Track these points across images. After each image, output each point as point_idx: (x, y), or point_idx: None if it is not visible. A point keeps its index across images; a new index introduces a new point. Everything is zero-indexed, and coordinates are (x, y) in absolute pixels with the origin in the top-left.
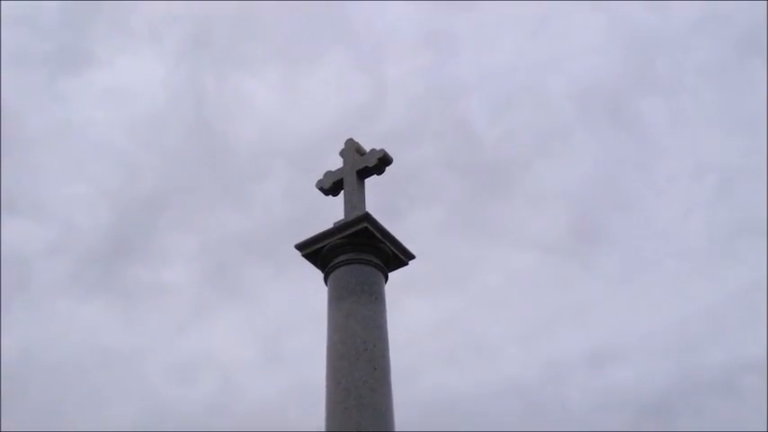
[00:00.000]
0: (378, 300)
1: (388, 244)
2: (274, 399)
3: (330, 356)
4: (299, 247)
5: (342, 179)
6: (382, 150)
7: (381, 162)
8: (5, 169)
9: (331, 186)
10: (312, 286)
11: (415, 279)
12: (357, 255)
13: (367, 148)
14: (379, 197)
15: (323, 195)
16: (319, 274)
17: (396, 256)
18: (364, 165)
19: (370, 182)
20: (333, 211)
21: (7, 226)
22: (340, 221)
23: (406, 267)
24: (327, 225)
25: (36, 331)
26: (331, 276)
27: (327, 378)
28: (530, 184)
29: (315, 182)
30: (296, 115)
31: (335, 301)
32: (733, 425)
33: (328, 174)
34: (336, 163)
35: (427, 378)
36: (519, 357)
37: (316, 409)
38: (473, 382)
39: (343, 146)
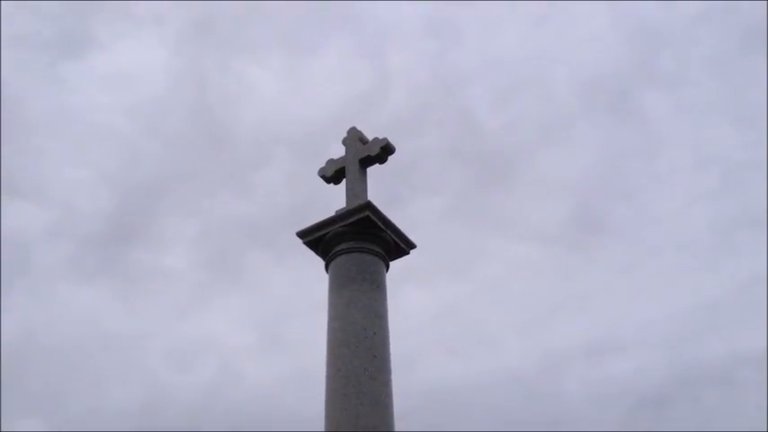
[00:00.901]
0: (379, 288)
1: (389, 233)
2: (273, 385)
3: (330, 343)
4: (301, 234)
5: (344, 167)
6: (385, 139)
7: (384, 151)
8: (6, 153)
9: (333, 174)
10: (312, 274)
11: (416, 268)
12: (358, 243)
13: (369, 136)
14: (380, 186)
15: (325, 183)
16: (319, 262)
17: (397, 245)
18: (367, 153)
19: (372, 170)
20: (335, 199)
21: (8, 209)
22: (342, 210)
23: (406, 256)
24: (329, 213)
25: (36, 314)
26: (332, 264)
27: (327, 365)
28: (532, 175)
29: (316, 169)
30: (298, 102)
31: (336, 288)
32: (731, 418)
33: (330, 162)
34: (338, 151)
35: (426, 366)
36: (518, 347)
37: (314, 396)
38: (472, 371)
39: (345, 134)
